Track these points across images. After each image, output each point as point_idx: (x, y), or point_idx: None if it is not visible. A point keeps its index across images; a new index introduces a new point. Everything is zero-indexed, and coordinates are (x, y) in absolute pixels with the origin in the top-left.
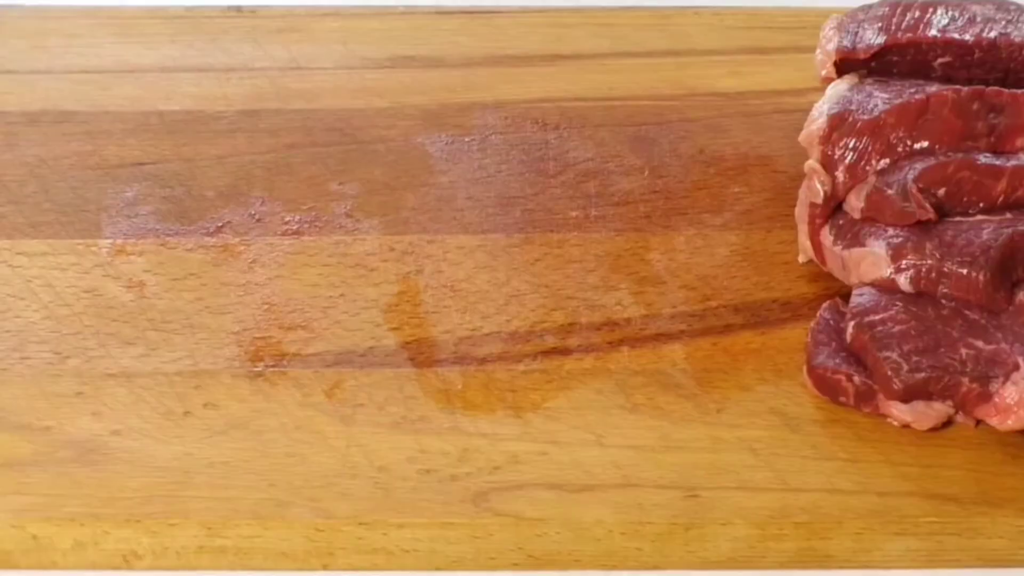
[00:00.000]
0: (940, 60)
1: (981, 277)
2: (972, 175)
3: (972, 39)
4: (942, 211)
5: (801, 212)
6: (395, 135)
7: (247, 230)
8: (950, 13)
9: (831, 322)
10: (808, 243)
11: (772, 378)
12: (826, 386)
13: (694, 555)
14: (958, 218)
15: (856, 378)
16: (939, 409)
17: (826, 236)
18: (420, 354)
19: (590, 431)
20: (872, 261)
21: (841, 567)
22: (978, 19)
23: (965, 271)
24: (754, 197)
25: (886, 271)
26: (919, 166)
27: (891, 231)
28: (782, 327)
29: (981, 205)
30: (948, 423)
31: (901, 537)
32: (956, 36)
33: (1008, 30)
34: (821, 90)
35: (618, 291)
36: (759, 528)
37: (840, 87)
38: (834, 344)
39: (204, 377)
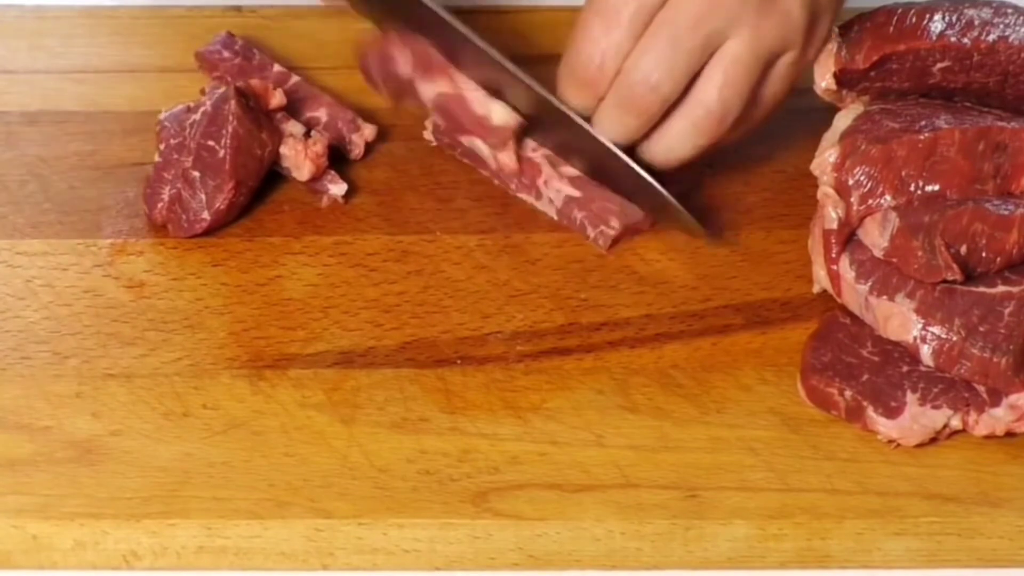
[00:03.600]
0: (939, 65)
1: (1003, 363)
2: (984, 227)
3: (970, 43)
4: (965, 268)
5: (815, 244)
6: (395, 135)
7: (247, 230)
8: (947, 18)
9: (829, 334)
10: (823, 273)
11: (772, 378)
12: (819, 398)
13: (694, 555)
14: (982, 287)
15: (847, 392)
16: (926, 425)
17: (846, 269)
18: (420, 354)
19: (590, 431)
20: (900, 323)
21: (841, 567)
22: (976, 23)
23: (988, 355)
24: (754, 197)
25: (911, 337)
26: (938, 217)
27: (919, 291)
28: (782, 327)
29: (999, 260)
30: (935, 439)
31: (901, 537)
32: (954, 40)
33: (1006, 33)
34: (821, 92)
35: (618, 291)
36: (759, 528)
37: (847, 117)
38: (829, 356)
39: (204, 377)
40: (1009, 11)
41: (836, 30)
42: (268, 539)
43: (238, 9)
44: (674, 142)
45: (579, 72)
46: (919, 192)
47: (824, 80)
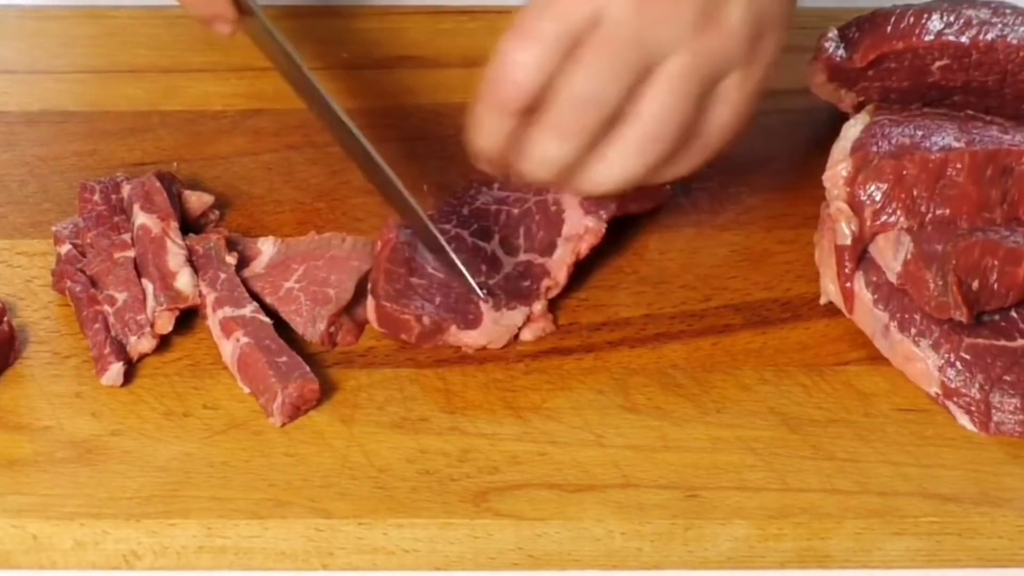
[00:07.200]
0: (938, 64)
1: None
2: (995, 261)
3: (969, 41)
4: (978, 303)
5: (823, 256)
6: (395, 135)
7: (247, 230)
8: (945, 18)
9: (397, 257)
10: (832, 287)
11: (772, 378)
12: (390, 323)
13: (694, 555)
14: (1003, 341)
15: (426, 319)
16: (508, 325)
17: (862, 289)
18: (420, 354)
19: (590, 431)
20: (923, 371)
21: (841, 567)
22: (974, 22)
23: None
24: (754, 197)
25: (932, 390)
26: (950, 248)
27: (945, 345)
28: (782, 327)
29: (1011, 294)
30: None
31: (901, 537)
32: (952, 39)
33: (1005, 32)
34: (815, 89)
35: (618, 291)
36: (759, 528)
37: (855, 127)
38: (402, 283)
39: (204, 377)
40: (1007, 11)
41: (834, 30)
42: (268, 539)
43: None
44: (612, 165)
45: (503, 94)
46: (930, 215)
47: (818, 76)
